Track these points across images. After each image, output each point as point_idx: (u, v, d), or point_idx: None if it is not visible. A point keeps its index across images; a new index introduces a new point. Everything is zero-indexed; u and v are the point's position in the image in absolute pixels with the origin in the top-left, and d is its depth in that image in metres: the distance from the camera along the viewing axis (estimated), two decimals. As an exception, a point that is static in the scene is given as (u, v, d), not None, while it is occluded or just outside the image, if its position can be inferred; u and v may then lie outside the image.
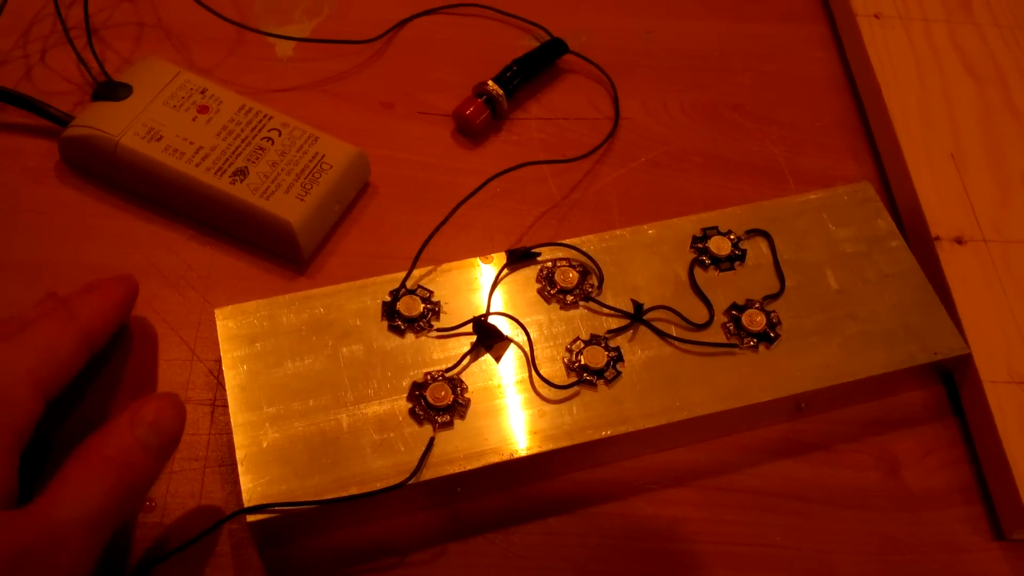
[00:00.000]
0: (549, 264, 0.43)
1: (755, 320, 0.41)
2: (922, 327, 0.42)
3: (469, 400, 0.39)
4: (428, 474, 0.37)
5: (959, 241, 0.46)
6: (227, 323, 0.40)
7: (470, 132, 0.51)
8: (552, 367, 0.40)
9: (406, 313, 0.41)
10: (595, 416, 0.39)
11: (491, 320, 0.41)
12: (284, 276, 0.45)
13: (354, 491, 0.36)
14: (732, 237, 0.44)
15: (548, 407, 0.39)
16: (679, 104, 0.54)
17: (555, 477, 0.40)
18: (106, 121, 0.46)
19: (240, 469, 0.36)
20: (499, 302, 0.42)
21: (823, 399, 0.41)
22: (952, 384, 0.44)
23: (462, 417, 0.38)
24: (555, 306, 0.42)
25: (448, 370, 0.40)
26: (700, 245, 0.44)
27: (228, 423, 0.38)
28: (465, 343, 0.40)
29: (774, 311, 0.42)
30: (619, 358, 0.40)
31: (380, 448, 0.37)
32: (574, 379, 0.40)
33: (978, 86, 0.53)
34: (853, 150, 0.53)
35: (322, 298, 0.41)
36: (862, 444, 0.42)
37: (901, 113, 0.51)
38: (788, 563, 0.39)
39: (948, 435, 0.43)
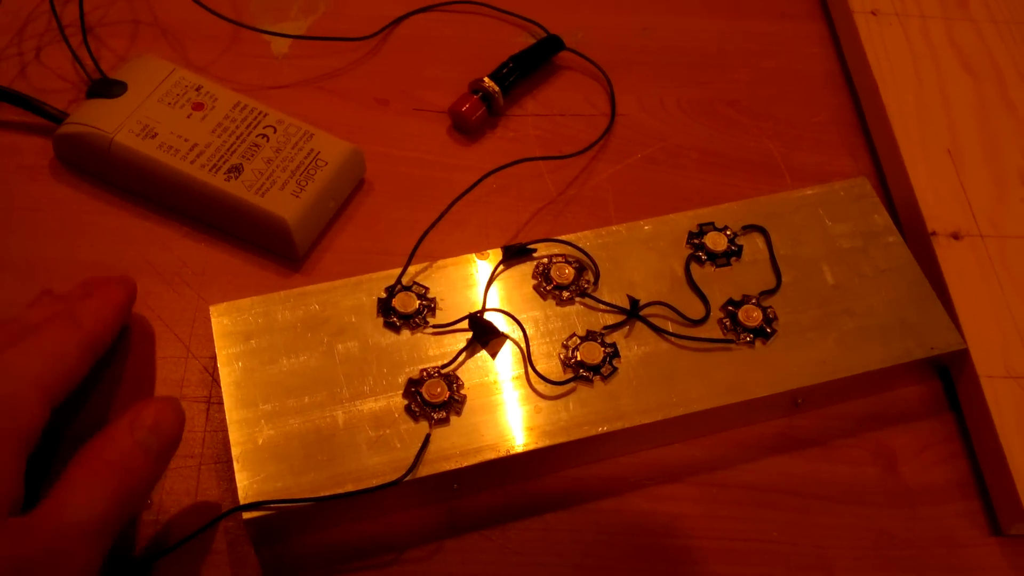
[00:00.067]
0: (545, 260, 0.43)
1: (751, 316, 0.41)
2: (919, 322, 0.42)
3: (465, 396, 0.39)
4: (424, 471, 0.37)
5: (955, 236, 0.46)
6: (222, 320, 0.40)
7: (466, 129, 0.51)
8: (548, 363, 0.40)
9: (402, 309, 0.41)
10: (591, 412, 0.39)
11: (487, 316, 0.41)
12: (279, 273, 0.45)
13: (350, 488, 0.36)
14: (728, 233, 0.44)
15: (544, 403, 0.39)
16: (675, 100, 0.54)
17: (551, 473, 0.40)
18: (101, 118, 0.46)
19: (236, 466, 0.36)
20: (495, 298, 0.42)
21: (819, 394, 0.41)
22: (949, 379, 0.44)
23: (458, 414, 0.38)
24: (551, 302, 0.42)
25: (444, 366, 0.39)
26: (696, 241, 0.44)
27: (223, 420, 0.38)
28: (461, 339, 0.40)
29: (770, 307, 0.42)
30: (615, 354, 0.40)
31: (376, 445, 0.37)
32: (570, 375, 0.40)
33: (975, 82, 0.53)
34: (850, 146, 0.52)
35: (317, 295, 0.41)
36: (859, 439, 0.42)
37: (898, 109, 0.51)
38: (784, 558, 0.39)
39: (945, 430, 0.42)
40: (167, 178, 0.45)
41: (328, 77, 0.53)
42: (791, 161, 0.51)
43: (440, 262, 0.43)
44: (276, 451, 0.37)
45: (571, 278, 0.42)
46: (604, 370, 0.40)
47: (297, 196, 0.44)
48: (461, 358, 0.40)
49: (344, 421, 0.38)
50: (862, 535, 0.39)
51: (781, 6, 0.59)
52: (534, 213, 0.48)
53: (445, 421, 0.38)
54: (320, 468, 0.37)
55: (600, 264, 0.43)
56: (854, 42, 0.55)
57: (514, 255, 0.43)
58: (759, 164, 0.51)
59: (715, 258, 0.43)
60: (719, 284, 0.43)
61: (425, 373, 0.39)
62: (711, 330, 0.41)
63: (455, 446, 0.37)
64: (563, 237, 0.44)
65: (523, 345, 0.40)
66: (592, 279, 0.43)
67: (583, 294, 0.42)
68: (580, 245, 0.43)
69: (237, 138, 0.46)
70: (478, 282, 0.42)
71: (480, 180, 0.46)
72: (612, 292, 0.42)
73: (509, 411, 0.39)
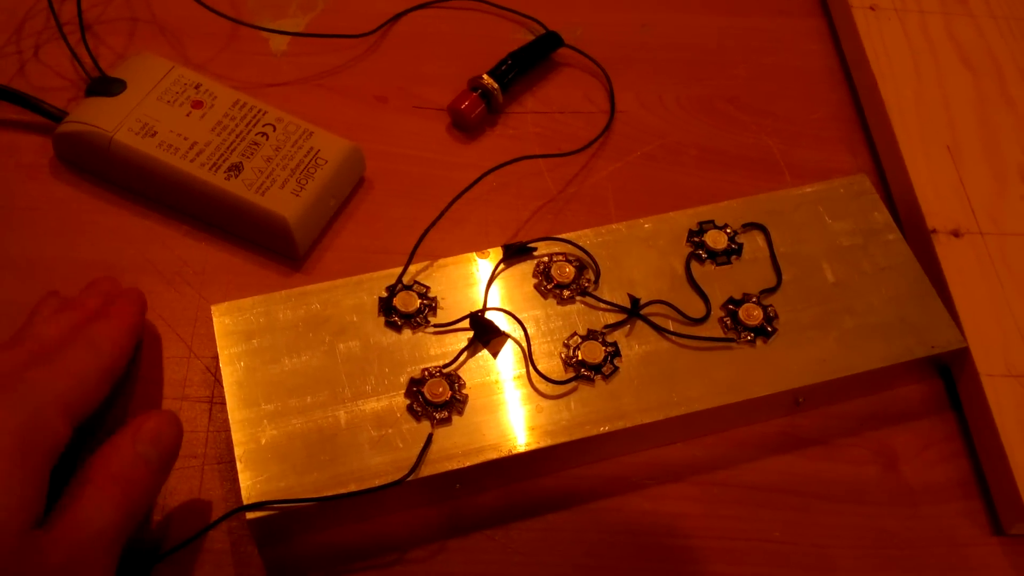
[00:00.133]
0: (545, 259, 0.43)
1: (752, 314, 0.41)
2: (919, 320, 0.42)
3: (467, 396, 0.39)
4: (426, 470, 0.37)
5: (955, 234, 0.46)
6: (223, 320, 0.40)
7: (465, 126, 0.51)
8: (549, 362, 0.40)
9: (403, 309, 0.41)
10: (593, 411, 0.39)
11: (488, 316, 0.41)
12: (280, 272, 0.45)
13: (352, 488, 0.36)
14: (728, 231, 0.44)
15: (546, 403, 0.39)
16: (675, 97, 0.54)
17: (553, 473, 0.40)
18: (100, 117, 0.46)
19: (239, 466, 0.36)
20: (496, 297, 0.42)
21: (820, 393, 0.41)
22: (950, 378, 0.44)
23: (460, 413, 0.38)
24: (552, 301, 0.42)
25: (445, 366, 0.39)
26: (696, 239, 0.44)
27: (226, 420, 0.38)
28: (462, 339, 0.40)
29: (771, 305, 0.42)
30: (616, 353, 0.40)
31: (378, 445, 0.37)
32: (571, 375, 0.40)
33: (974, 78, 0.52)
34: (849, 143, 0.52)
35: (318, 294, 0.41)
36: (860, 438, 0.42)
37: (897, 105, 0.51)
38: (786, 558, 0.39)
39: (946, 429, 0.43)
40: (167, 177, 0.45)
41: (327, 74, 0.53)
42: (790, 158, 0.51)
43: (441, 261, 0.43)
44: (279, 451, 0.37)
45: (572, 277, 0.42)
46: (605, 369, 0.40)
47: (297, 195, 0.44)
48: (462, 357, 0.40)
49: (346, 421, 0.38)
50: (863, 534, 0.39)
51: (780, 2, 0.59)
52: (534, 211, 0.48)
53: (447, 421, 0.38)
54: (323, 468, 0.37)
55: (600, 262, 0.43)
56: (853, 38, 0.55)
57: (514, 254, 0.43)
58: (758, 161, 0.51)
59: (715, 256, 0.43)
60: (719, 282, 0.43)
61: (427, 372, 0.39)
62: (712, 329, 0.41)
63: (457, 446, 0.37)
64: (563, 235, 0.44)
65: (524, 344, 0.40)
66: (593, 278, 0.43)
67: (584, 293, 0.42)
68: (580, 243, 0.43)
69: (237, 136, 0.46)
70: (479, 281, 0.42)
71: (480, 178, 0.46)
72: (612, 291, 0.42)
73: (511, 411, 0.39)
